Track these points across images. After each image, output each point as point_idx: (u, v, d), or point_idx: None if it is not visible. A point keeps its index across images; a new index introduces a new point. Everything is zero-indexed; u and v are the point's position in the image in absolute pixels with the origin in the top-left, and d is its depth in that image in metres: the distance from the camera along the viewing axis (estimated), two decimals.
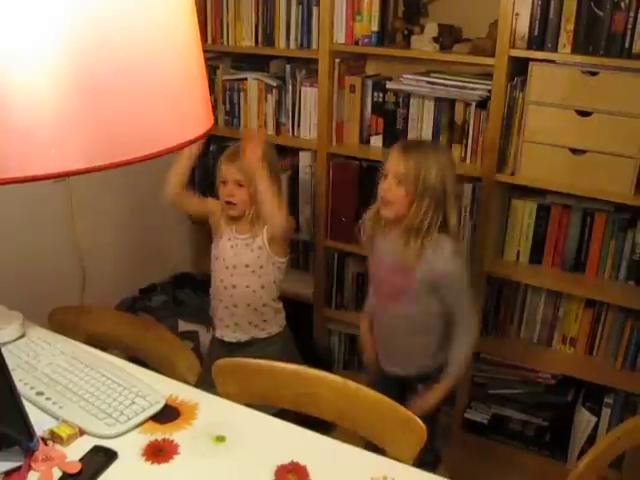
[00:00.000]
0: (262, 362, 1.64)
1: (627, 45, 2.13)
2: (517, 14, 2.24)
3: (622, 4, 2.11)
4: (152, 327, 1.94)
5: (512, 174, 2.41)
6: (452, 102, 2.50)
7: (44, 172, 0.71)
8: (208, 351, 2.52)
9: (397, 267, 2.03)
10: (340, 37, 2.60)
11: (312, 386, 1.57)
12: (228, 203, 2.22)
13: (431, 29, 2.47)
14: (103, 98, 0.74)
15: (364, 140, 2.74)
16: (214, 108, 2.92)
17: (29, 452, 1.25)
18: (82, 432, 1.35)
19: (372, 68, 2.81)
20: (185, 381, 1.60)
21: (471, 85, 2.43)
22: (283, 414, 1.52)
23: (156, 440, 1.35)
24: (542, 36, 2.24)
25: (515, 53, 2.28)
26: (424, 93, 2.52)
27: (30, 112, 0.70)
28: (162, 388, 1.49)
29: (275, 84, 2.83)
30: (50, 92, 0.70)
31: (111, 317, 2.00)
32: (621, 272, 2.42)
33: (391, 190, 1.96)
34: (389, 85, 2.59)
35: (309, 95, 2.74)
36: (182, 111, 0.85)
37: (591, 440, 2.55)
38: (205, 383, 1.63)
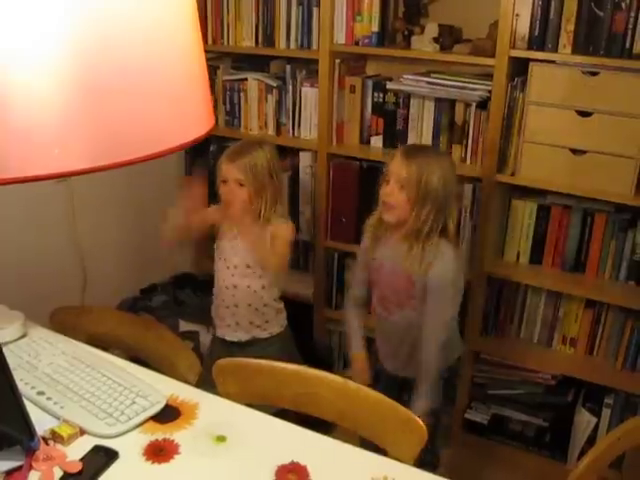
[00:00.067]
0: (262, 362, 1.64)
1: (628, 45, 2.13)
2: (517, 14, 2.24)
3: (623, 4, 2.11)
4: (153, 327, 1.94)
5: (512, 174, 2.41)
6: (452, 102, 2.50)
7: (46, 172, 0.72)
8: (209, 351, 2.52)
9: (398, 272, 2.04)
10: (340, 37, 2.60)
11: (312, 386, 1.57)
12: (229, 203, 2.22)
13: (431, 29, 2.47)
14: (106, 98, 0.74)
15: (364, 140, 2.74)
16: (214, 108, 2.92)
17: (30, 452, 1.26)
18: (83, 432, 1.35)
19: (372, 68, 2.81)
20: (186, 381, 1.60)
21: (471, 85, 2.43)
22: (283, 414, 1.52)
23: (157, 440, 1.35)
24: (542, 36, 2.24)
25: (515, 53, 2.28)
26: (424, 93, 2.52)
27: (32, 112, 0.70)
28: (163, 388, 1.49)
29: (275, 84, 2.83)
30: (53, 92, 0.71)
31: (112, 317, 2.00)
32: (621, 272, 2.42)
33: (393, 195, 1.97)
34: (389, 85, 2.59)
35: (309, 95, 2.75)
36: (184, 111, 0.85)
37: (591, 441, 2.55)
38: (206, 383, 1.63)
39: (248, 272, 2.26)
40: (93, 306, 2.28)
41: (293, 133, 2.85)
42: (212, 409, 1.47)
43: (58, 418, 1.37)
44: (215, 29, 2.87)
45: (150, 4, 0.77)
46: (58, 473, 1.24)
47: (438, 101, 2.52)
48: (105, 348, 1.72)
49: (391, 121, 2.64)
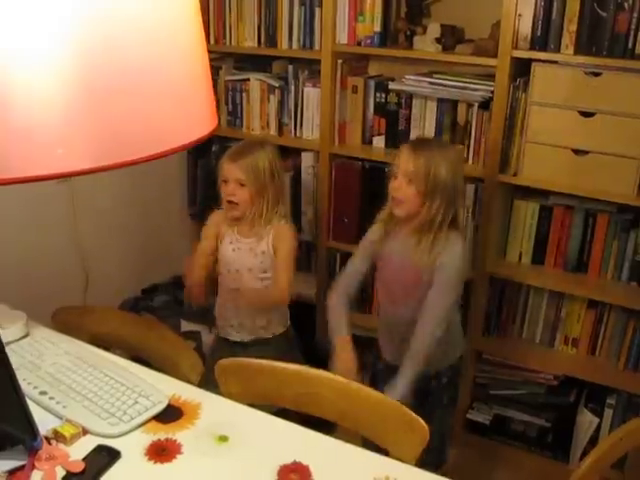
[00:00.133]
0: (264, 362, 1.65)
1: (630, 46, 2.13)
2: (520, 15, 2.24)
3: (625, 5, 2.11)
4: (155, 327, 1.95)
5: (515, 175, 2.41)
6: (454, 103, 2.50)
7: (49, 172, 0.72)
8: (211, 351, 2.52)
9: (406, 266, 2.03)
10: (343, 38, 2.60)
11: (314, 386, 1.57)
12: (230, 202, 2.21)
13: (433, 30, 2.47)
14: (109, 98, 0.74)
15: (366, 141, 2.74)
16: (217, 108, 2.93)
17: (33, 451, 1.26)
18: (85, 431, 1.35)
19: (374, 69, 2.81)
20: (188, 381, 1.60)
21: (473, 86, 2.43)
22: (285, 414, 1.52)
23: (159, 440, 1.35)
24: (545, 37, 2.24)
25: (518, 54, 2.28)
26: (426, 94, 2.52)
27: (34, 112, 0.70)
28: (165, 388, 1.50)
29: (277, 85, 2.83)
30: (56, 92, 0.71)
31: (114, 317, 2.00)
32: (624, 273, 2.42)
33: (402, 189, 1.97)
34: (391, 86, 2.59)
35: (311, 96, 2.75)
36: (187, 111, 0.85)
37: (593, 441, 2.54)
38: (208, 383, 1.63)
39: (250, 276, 2.26)
40: (95, 306, 2.29)
41: (295, 133, 2.85)
42: (214, 409, 1.47)
43: (61, 418, 1.37)
44: (217, 29, 2.87)
45: (154, 4, 0.77)
46: (60, 473, 1.24)
47: (440, 101, 2.52)
48: (107, 348, 1.72)
49: (393, 121, 2.64)
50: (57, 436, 1.32)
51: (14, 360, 1.34)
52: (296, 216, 2.89)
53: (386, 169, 2.64)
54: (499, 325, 2.69)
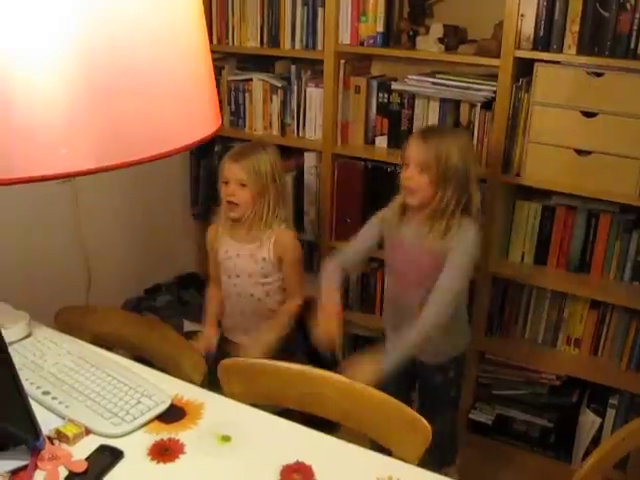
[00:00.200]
0: (267, 362, 1.65)
1: (632, 46, 2.13)
2: (522, 15, 2.24)
3: (628, 5, 2.11)
4: (157, 327, 1.95)
5: (517, 175, 2.41)
6: (457, 103, 2.50)
7: (53, 172, 0.72)
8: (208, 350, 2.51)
9: (422, 252, 2.02)
10: (345, 38, 2.60)
11: (317, 386, 1.57)
12: (229, 203, 2.20)
13: (436, 30, 2.47)
14: (114, 98, 0.74)
15: (369, 141, 2.74)
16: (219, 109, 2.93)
17: (35, 451, 1.26)
18: (88, 431, 1.35)
19: (377, 69, 2.81)
20: (191, 381, 1.60)
21: (476, 86, 2.43)
22: (288, 414, 1.52)
23: (162, 439, 1.35)
24: (547, 37, 2.23)
25: (520, 54, 2.28)
26: (429, 94, 2.52)
27: (38, 112, 0.70)
28: (168, 388, 1.50)
29: (280, 85, 2.83)
30: (60, 92, 0.71)
31: (117, 317, 2.00)
32: (626, 273, 2.42)
33: (414, 178, 1.96)
34: (394, 86, 2.59)
35: (314, 96, 2.75)
36: (191, 111, 0.85)
37: (596, 441, 2.54)
38: (211, 383, 1.63)
39: (250, 281, 2.25)
40: (98, 306, 2.29)
41: (298, 133, 2.85)
42: (217, 409, 1.47)
43: (63, 418, 1.38)
44: (220, 29, 2.88)
45: (157, 4, 0.77)
46: (63, 472, 1.24)
47: (443, 101, 2.52)
48: (109, 348, 1.72)
49: (396, 121, 2.64)
50: (60, 436, 1.32)
51: (17, 360, 1.34)
52: (298, 216, 2.89)
53: (389, 169, 2.65)
54: (501, 325, 2.69)
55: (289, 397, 1.60)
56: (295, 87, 2.79)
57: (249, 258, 2.23)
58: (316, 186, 2.88)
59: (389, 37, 2.58)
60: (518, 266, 2.58)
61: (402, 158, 2.04)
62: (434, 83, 2.49)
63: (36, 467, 1.24)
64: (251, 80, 2.90)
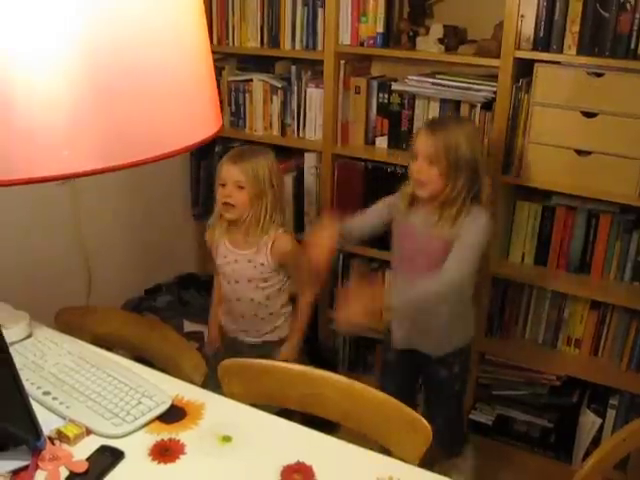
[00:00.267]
0: (267, 362, 1.65)
1: (633, 46, 2.13)
2: (522, 15, 2.24)
3: (628, 5, 2.11)
4: (158, 327, 1.95)
5: (517, 175, 2.41)
6: (457, 103, 2.50)
7: (54, 173, 0.72)
8: (215, 351, 2.52)
9: (429, 239, 2.02)
10: (345, 38, 2.60)
11: (318, 387, 1.57)
12: (225, 204, 2.19)
13: (436, 30, 2.47)
14: (115, 99, 0.74)
15: (369, 141, 2.74)
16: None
17: (36, 451, 1.26)
18: (89, 432, 1.36)
19: (377, 69, 2.81)
20: (191, 381, 1.60)
21: (476, 86, 2.43)
22: (288, 414, 1.52)
23: (162, 440, 1.35)
24: (547, 37, 2.24)
25: (520, 54, 2.28)
26: (429, 94, 2.52)
27: (40, 113, 0.70)
28: (168, 388, 1.50)
29: (280, 85, 2.83)
30: (63, 93, 0.71)
31: (117, 317, 2.00)
32: (626, 273, 2.42)
33: (423, 171, 1.97)
34: (394, 86, 2.59)
35: (314, 96, 2.75)
36: (193, 112, 0.85)
37: (596, 442, 2.54)
38: (211, 383, 1.63)
39: (250, 286, 2.25)
40: (98, 306, 2.29)
41: (298, 134, 2.85)
42: (218, 409, 1.47)
43: (64, 418, 1.38)
44: (220, 30, 2.88)
45: (159, 5, 0.77)
46: (64, 473, 1.24)
47: (443, 102, 2.52)
48: (110, 348, 1.72)
49: (396, 122, 2.65)
50: (60, 436, 1.32)
51: (17, 360, 1.34)
52: (299, 216, 2.90)
53: (389, 169, 2.65)
54: (502, 326, 2.69)
55: (289, 397, 1.60)
56: (295, 87, 2.79)
57: (247, 264, 2.23)
58: (316, 186, 2.88)
59: (389, 37, 2.58)
60: (518, 266, 2.58)
61: (411, 150, 2.05)
62: (434, 83, 2.49)
63: (37, 467, 1.24)
64: (251, 80, 2.90)
